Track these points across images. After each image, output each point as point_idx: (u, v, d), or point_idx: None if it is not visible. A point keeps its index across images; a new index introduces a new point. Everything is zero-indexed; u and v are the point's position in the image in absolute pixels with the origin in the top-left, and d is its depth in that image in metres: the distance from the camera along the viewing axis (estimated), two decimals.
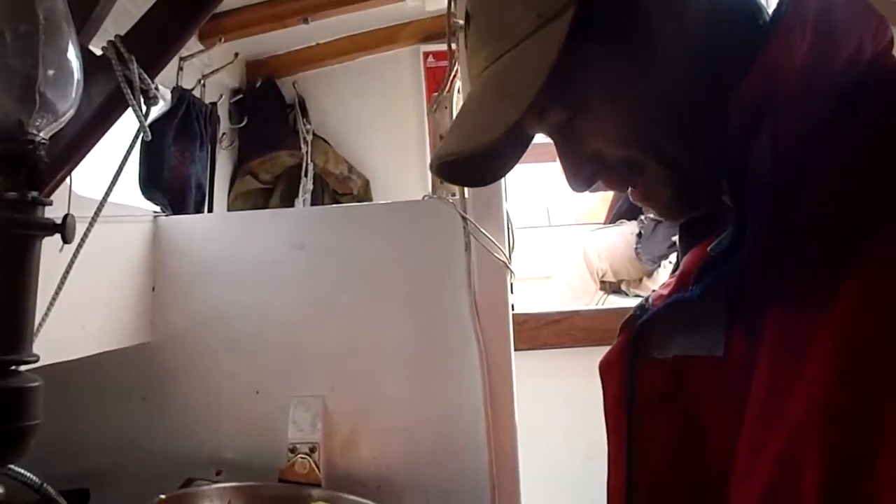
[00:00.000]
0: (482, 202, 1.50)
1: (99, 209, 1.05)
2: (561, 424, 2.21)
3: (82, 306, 1.34)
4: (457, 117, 0.74)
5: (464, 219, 1.49)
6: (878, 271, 0.49)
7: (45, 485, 1.14)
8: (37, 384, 0.70)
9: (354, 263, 1.55)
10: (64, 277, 1.05)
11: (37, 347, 1.19)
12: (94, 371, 1.54)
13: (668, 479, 0.66)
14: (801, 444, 0.49)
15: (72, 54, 0.71)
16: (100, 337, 1.42)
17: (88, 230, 1.06)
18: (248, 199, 2.16)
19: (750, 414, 0.54)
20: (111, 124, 1.02)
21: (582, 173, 0.69)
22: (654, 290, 0.76)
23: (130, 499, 1.31)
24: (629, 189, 0.70)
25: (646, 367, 0.69)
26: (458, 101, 1.59)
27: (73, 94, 0.71)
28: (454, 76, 1.55)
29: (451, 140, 0.69)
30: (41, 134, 0.70)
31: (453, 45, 1.50)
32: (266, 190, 2.23)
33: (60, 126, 0.71)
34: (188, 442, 1.55)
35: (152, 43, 1.01)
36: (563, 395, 2.22)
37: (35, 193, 0.68)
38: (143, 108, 1.00)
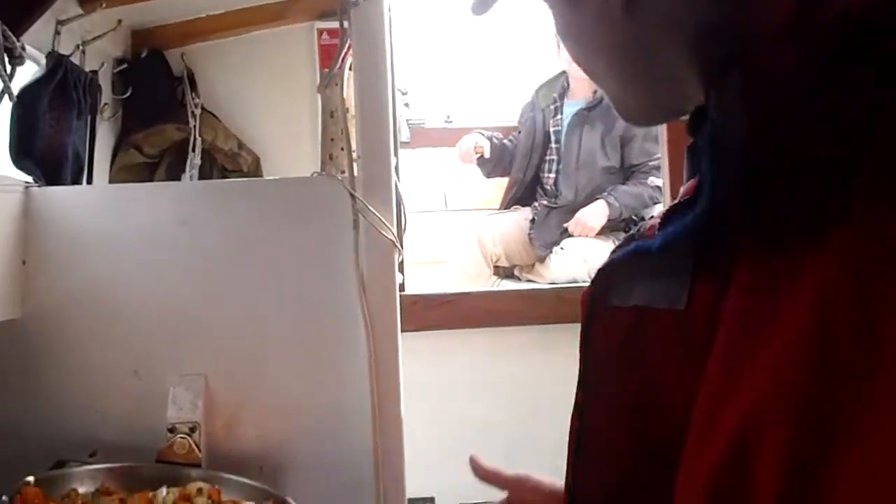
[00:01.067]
0: (372, 180, 1.50)
1: None
2: (452, 403, 2.24)
3: None
4: None
5: (352, 196, 1.48)
6: (867, 234, 0.43)
7: None
8: None
9: (239, 240, 1.52)
10: None
11: None
12: None
13: (618, 433, 0.62)
14: (762, 419, 0.44)
15: None
16: None
17: None
18: (132, 173, 2.08)
19: (710, 375, 0.49)
20: None
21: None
22: (651, 217, 0.72)
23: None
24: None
25: (604, 314, 0.65)
26: (349, 79, 1.58)
27: None
28: (346, 53, 1.53)
29: None
30: None
31: (345, 24, 1.48)
32: (151, 164, 2.15)
33: None
34: (62, 423, 1.49)
35: (18, 1, 0.96)
36: (454, 376, 2.26)
37: None
38: (7, 68, 0.96)
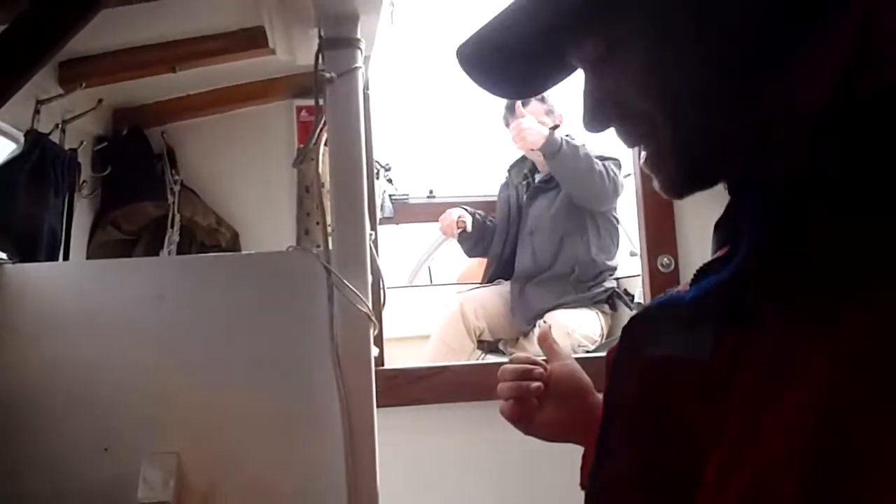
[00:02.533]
0: (347, 253, 1.50)
1: None
2: (431, 480, 2.20)
3: None
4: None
5: (327, 270, 1.49)
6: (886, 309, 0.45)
7: None
8: None
9: (215, 315, 1.52)
10: None
11: None
12: None
13: (634, 478, 0.62)
14: (780, 470, 0.45)
15: None
16: None
17: None
18: (110, 249, 2.08)
19: (731, 421, 0.51)
20: None
21: (599, 115, 0.66)
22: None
23: None
24: (638, 149, 0.68)
25: (630, 363, 0.67)
26: (324, 154, 1.60)
27: None
28: (321, 129, 1.56)
29: (487, 26, 0.67)
30: None
31: (321, 101, 1.51)
32: (129, 241, 2.15)
33: None
34: (29, 499, 1.45)
35: None
36: (434, 451, 2.22)
37: None
38: None
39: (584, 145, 3.19)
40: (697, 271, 0.63)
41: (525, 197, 3.47)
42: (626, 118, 0.65)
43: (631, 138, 0.67)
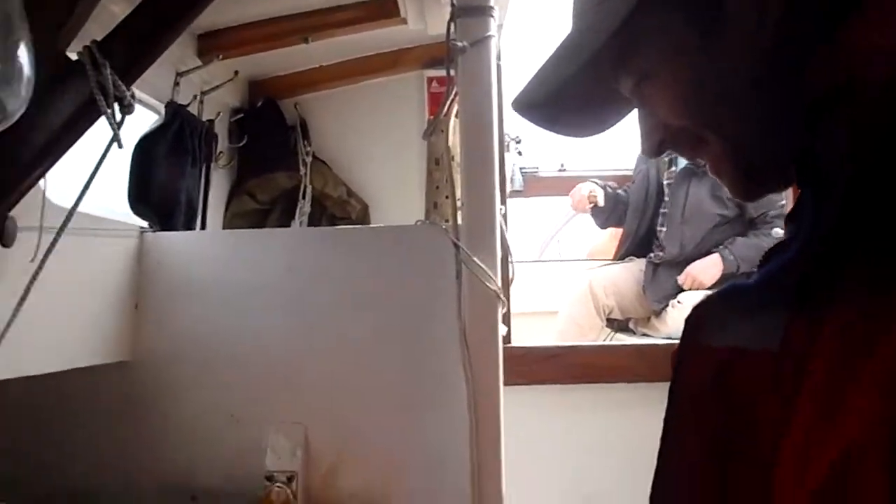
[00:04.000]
0: (476, 229, 1.45)
1: (67, 220, 1.02)
2: (556, 462, 2.15)
3: (60, 319, 1.31)
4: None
5: (456, 246, 1.44)
6: None
7: None
8: None
9: (343, 287, 1.51)
10: (28, 288, 1.01)
11: (7, 358, 1.16)
12: (70, 388, 1.51)
13: (703, 468, 0.61)
14: (865, 445, 0.44)
15: (23, 51, 0.68)
16: (77, 352, 1.38)
17: (55, 240, 1.02)
18: (245, 219, 2.13)
19: (803, 408, 0.50)
20: (83, 132, 0.99)
21: (651, 140, 0.69)
22: None
23: None
24: (698, 160, 0.70)
25: (695, 355, 0.65)
26: (454, 126, 1.56)
27: (23, 93, 0.68)
28: (452, 100, 1.51)
29: (536, 77, 0.71)
30: None
31: (452, 71, 1.47)
32: (264, 211, 2.20)
33: (5, 125, 0.68)
34: (163, 466, 1.51)
35: (129, 49, 0.98)
36: (560, 432, 2.17)
37: None
38: (118, 115, 0.98)
39: (747, 239, 3.08)
40: (763, 255, 0.63)
41: (675, 176, 3.25)
42: (676, 140, 0.67)
43: (687, 155, 0.70)
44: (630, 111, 0.75)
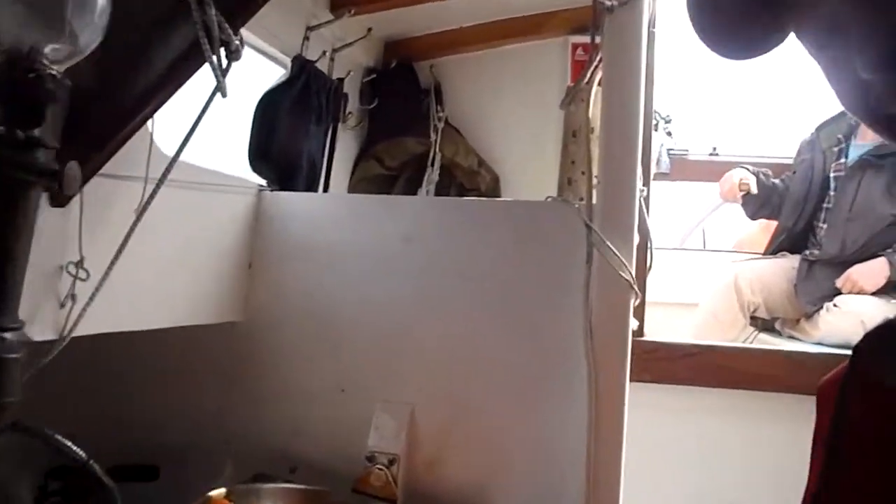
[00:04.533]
0: (612, 210, 1.32)
1: (168, 170, 0.96)
2: (680, 471, 1.99)
3: (172, 275, 1.28)
4: None
5: (588, 227, 1.31)
6: None
7: (90, 461, 1.06)
8: (14, 356, 0.59)
9: (462, 263, 1.42)
10: (126, 238, 0.96)
11: (113, 312, 1.13)
12: (180, 345, 1.49)
13: None
14: None
15: None
16: (187, 310, 1.35)
17: (155, 191, 0.97)
18: (372, 183, 2.07)
19: None
20: (188, 77, 0.92)
21: (851, 98, 0.53)
22: None
23: (196, 482, 1.22)
24: None
25: (865, 391, 0.58)
26: (596, 96, 1.41)
27: (98, 23, 0.60)
28: (596, 66, 1.37)
29: None
30: (55, 66, 0.59)
31: (597, 36, 1.33)
32: (391, 177, 2.12)
33: (77, 59, 0.60)
34: (265, 431, 1.47)
35: None
36: (689, 439, 2.00)
37: (35, 132, 0.57)
38: (224, 62, 0.90)
39: None
40: None
41: (846, 168, 2.97)
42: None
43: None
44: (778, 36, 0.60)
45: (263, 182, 1.50)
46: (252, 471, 1.40)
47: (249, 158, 1.50)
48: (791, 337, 3.04)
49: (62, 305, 0.96)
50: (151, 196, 0.96)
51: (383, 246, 1.45)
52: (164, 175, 0.96)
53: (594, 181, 1.35)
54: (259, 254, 1.49)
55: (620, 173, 1.31)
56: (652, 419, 1.83)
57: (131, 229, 0.96)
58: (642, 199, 1.37)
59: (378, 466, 1.35)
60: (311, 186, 1.66)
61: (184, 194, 1.27)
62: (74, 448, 1.06)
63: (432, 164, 2.04)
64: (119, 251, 0.96)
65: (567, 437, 1.31)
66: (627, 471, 1.30)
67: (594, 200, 1.33)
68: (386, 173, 2.11)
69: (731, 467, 1.97)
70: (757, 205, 3.28)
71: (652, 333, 2.17)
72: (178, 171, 0.99)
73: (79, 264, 0.95)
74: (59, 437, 1.06)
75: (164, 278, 1.25)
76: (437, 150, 2.05)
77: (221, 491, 1.21)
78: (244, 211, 1.46)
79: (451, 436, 1.39)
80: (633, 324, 1.36)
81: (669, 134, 3.69)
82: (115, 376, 1.51)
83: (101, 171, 0.92)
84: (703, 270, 3.59)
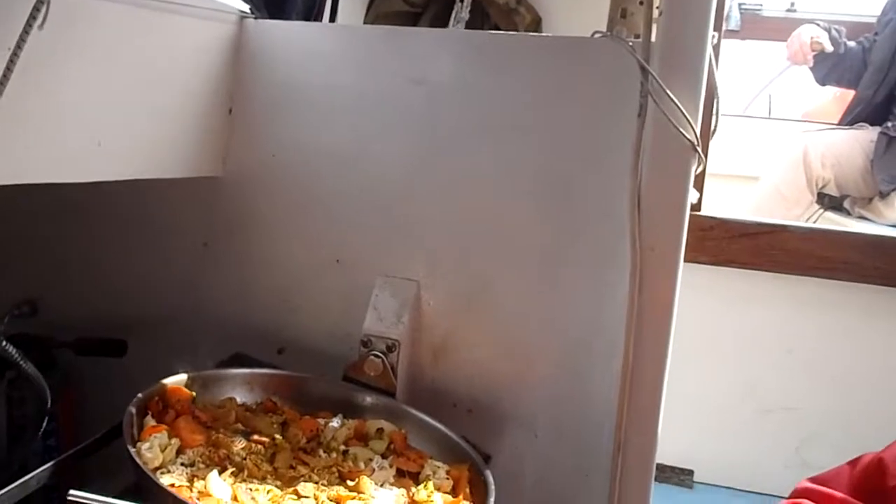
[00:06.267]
0: (676, 53, 1.04)
1: None
2: (732, 364, 1.80)
3: (137, 117, 1.06)
4: None
5: (643, 70, 1.04)
6: None
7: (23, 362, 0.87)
8: None
9: (485, 111, 1.18)
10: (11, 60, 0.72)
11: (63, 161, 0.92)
12: (152, 204, 1.31)
13: None
14: None
15: None
16: (154, 160, 1.14)
17: None
18: (390, 23, 1.81)
19: None
20: None
21: None
22: None
23: (165, 360, 1.05)
24: None
25: None
26: None
27: None
28: None
29: None
30: None
31: None
32: (413, 14, 1.87)
33: None
34: (248, 305, 1.30)
35: None
36: (745, 329, 1.80)
37: None
38: None
39: None
40: None
41: None
42: None
43: None
44: None
45: (246, 7, 1.23)
46: (232, 350, 1.21)
47: None
48: (862, 217, 2.85)
49: None
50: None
51: (389, 88, 1.21)
52: None
53: (655, 13, 1.06)
54: (241, 97, 1.25)
55: (689, 6, 1.02)
56: (701, 305, 1.62)
57: (17, 47, 0.71)
58: (712, 48, 1.09)
59: (374, 353, 1.15)
60: (308, 17, 1.39)
61: (142, 14, 1.03)
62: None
63: (461, 0, 1.75)
64: (5, 75, 0.71)
65: (601, 328, 1.13)
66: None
67: (653, 38, 1.05)
68: (408, 10, 1.86)
69: (797, 365, 1.77)
70: (827, 67, 3.08)
71: (707, 209, 1.93)
72: None
73: None
74: None
75: (118, 118, 1.02)
76: None
77: (181, 378, 1.02)
78: (223, 44, 1.22)
79: (462, 321, 1.20)
80: (693, 195, 1.11)
81: None
82: (78, 238, 1.32)
83: None
84: (767, 140, 3.36)
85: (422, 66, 1.18)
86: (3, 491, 0.80)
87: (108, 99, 1.00)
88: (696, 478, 1.86)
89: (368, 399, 1.11)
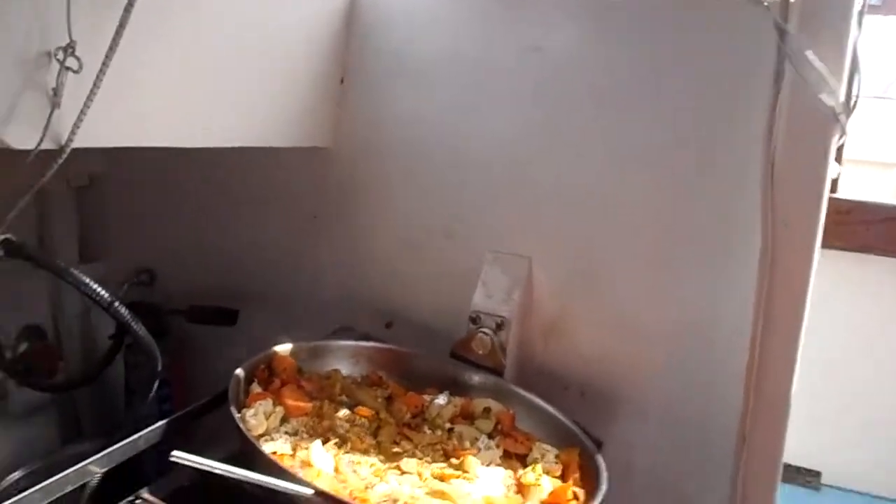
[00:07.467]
0: (819, 14, 0.95)
1: None
2: (865, 360, 1.66)
3: (249, 83, 1.05)
4: None
5: (781, 32, 0.96)
6: None
7: (115, 303, 0.87)
8: None
9: (605, 78, 1.11)
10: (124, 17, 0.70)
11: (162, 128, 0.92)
12: (263, 177, 1.31)
13: None
14: None
15: None
16: (264, 128, 1.14)
17: None
18: None
19: None
20: None
21: None
22: None
23: (274, 329, 1.03)
24: None
25: None
26: None
27: None
28: None
29: None
30: None
31: None
32: None
33: None
34: (356, 278, 1.28)
35: None
36: (882, 322, 1.66)
37: None
38: None
39: None
40: None
41: None
42: None
43: None
44: None
45: None
46: (339, 322, 1.20)
47: None
48: None
49: (57, 107, 0.72)
50: None
51: (505, 57, 1.15)
52: None
53: None
54: (353, 67, 1.23)
55: None
56: (835, 294, 1.50)
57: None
58: (858, 13, 0.99)
59: (483, 330, 1.10)
60: None
61: None
62: (94, 286, 0.87)
63: None
64: (118, 32, 0.71)
65: (726, 312, 1.06)
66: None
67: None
68: None
69: None
70: None
71: (842, 191, 1.80)
72: None
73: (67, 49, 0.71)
74: (76, 272, 0.87)
75: (228, 83, 1.01)
76: None
77: (288, 347, 1.01)
78: (334, 13, 1.20)
79: (576, 301, 1.15)
80: (835, 170, 1.02)
81: None
82: (193, 211, 1.35)
83: None
84: None
85: (540, 31, 1.12)
86: (113, 447, 0.80)
87: (223, 63, 0.99)
88: (823, 480, 1.75)
89: (476, 377, 1.07)
